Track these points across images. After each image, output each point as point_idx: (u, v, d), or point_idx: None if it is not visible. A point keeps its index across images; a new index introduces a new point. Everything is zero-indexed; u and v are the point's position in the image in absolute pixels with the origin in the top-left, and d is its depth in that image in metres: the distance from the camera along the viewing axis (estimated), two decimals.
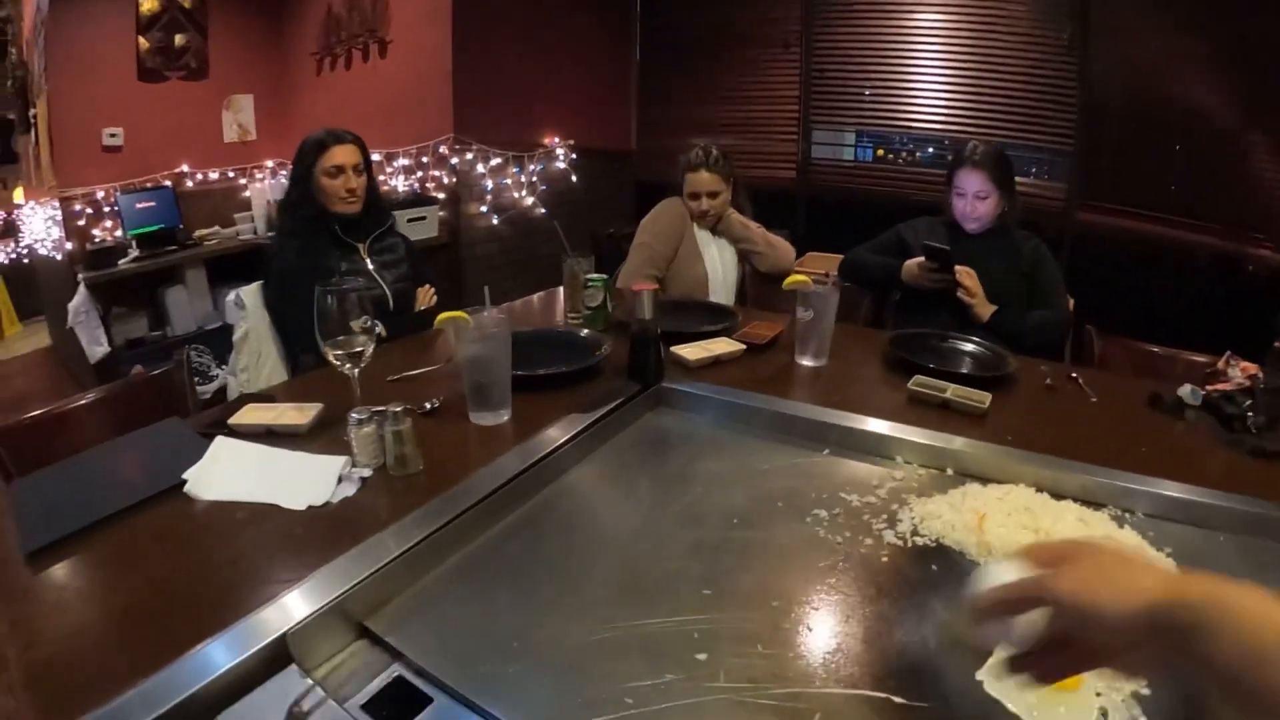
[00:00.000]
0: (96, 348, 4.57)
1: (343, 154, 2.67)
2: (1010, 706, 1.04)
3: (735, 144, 6.02)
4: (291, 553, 1.19)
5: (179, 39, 5.11)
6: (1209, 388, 2.13)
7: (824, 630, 1.16)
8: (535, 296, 2.88)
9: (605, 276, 2.39)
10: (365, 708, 0.95)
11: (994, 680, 1.08)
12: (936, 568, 1.36)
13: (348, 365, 1.55)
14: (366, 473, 1.44)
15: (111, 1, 4.83)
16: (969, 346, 2.44)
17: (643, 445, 1.76)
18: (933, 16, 5.57)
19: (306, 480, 1.39)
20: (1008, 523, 1.43)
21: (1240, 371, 2.14)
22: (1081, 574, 0.77)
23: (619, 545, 1.36)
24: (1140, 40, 5.24)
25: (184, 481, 1.40)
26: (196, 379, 3.72)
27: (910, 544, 1.41)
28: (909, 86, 5.73)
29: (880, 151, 5.89)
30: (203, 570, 1.17)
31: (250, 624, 1.01)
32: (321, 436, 1.59)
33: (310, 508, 1.33)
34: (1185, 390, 2.14)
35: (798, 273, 2.35)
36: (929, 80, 5.69)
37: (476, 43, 5.11)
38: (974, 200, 2.93)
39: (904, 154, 5.85)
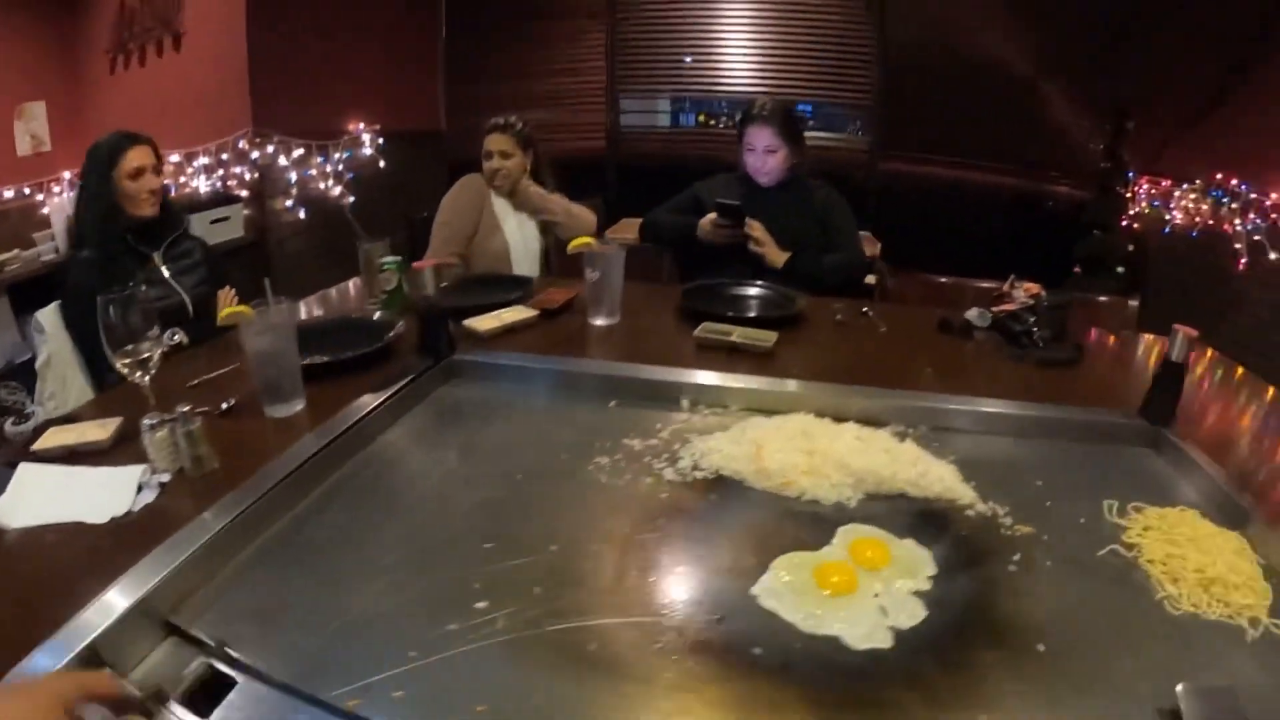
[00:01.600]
0: None
1: (140, 155, 2.62)
2: (784, 616, 1.12)
3: (546, 117, 6.08)
4: (100, 564, 1.17)
5: None
6: (995, 309, 2.28)
7: (601, 567, 1.24)
8: (334, 289, 2.83)
9: (399, 259, 2.40)
10: (181, 702, 0.95)
11: (767, 595, 1.16)
12: (715, 497, 1.46)
13: (138, 373, 1.54)
14: (165, 477, 1.44)
15: None
16: (755, 291, 2.58)
17: (436, 417, 1.82)
18: None
19: (108, 493, 1.39)
20: (786, 447, 1.54)
21: (1024, 292, 2.28)
22: None
23: (408, 512, 1.41)
24: None
25: None
26: (12, 419, 3.58)
27: (690, 478, 1.51)
28: (719, 51, 5.90)
29: (703, 117, 6.06)
30: (15, 597, 1.16)
31: (57, 640, 0.99)
32: (128, 449, 1.56)
33: (114, 519, 1.33)
34: (973, 313, 2.30)
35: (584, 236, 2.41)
36: (737, 45, 5.87)
37: (272, 29, 4.94)
38: (764, 154, 3.04)
39: (724, 118, 6.05)
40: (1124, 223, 5.51)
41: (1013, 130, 5.64)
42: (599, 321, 2.28)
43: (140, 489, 1.40)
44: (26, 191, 5.01)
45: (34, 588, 1.17)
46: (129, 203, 2.61)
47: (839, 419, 1.70)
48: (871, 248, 5.04)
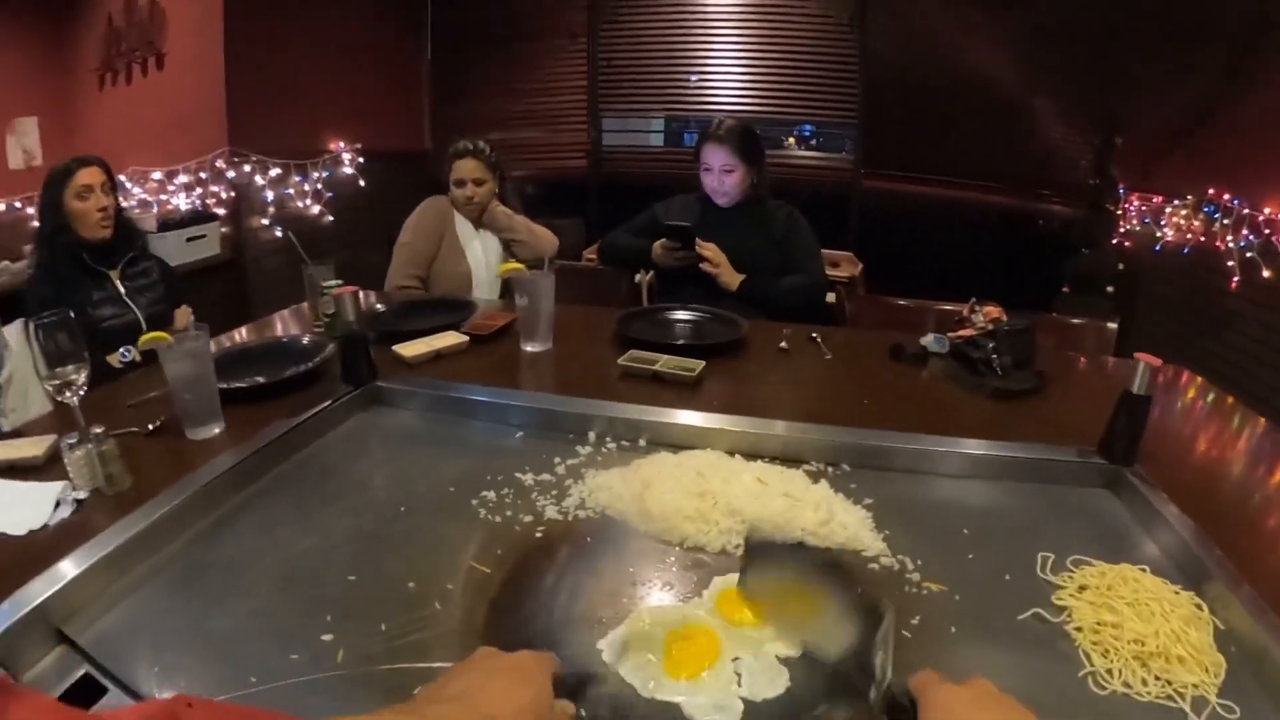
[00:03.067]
0: None
1: (88, 175, 2.71)
2: (626, 676, 1.05)
3: (529, 137, 6.15)
4: (10, 573, 1.23)
5: None
6: (953, 334, 2.18)
7: (450, 607, 1.21)
8: (286, 311, 2.84)
9: (340, 282, 2.41)
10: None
11: (614, 651, 1.10)
12: (591, 539, 1.40)
13: (66, 394, 1.59)
14: (83, 494, 1.51)
15: None
16: (694, 316, 2.53)
17: (347, 443, 1.81)
18: (718, 2, 5.76)
19: (29, 507, 1.46)
20: (674, 488, 1.45)
21: (984, 316, 2.19)
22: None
23: (291, 539, 1.42)
24: (917, 15, 5.51)
25: None
26: None
27: (573, 517, 1.46)
28: (702, 71, 5.90)
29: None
30: None
31: None
32: (59, 466, 1.61)
33: (30, 531, 1.40)
34: (929, 339, 2.20)
35: (513, 261, 2.42)
36: (720, 64, 5.88)
37: (251, 49, 5.05)
38: (720, 174, 3.05)
39: None
40: (1114, 240, 5.44)
41: (1000, 147, 5.61)
42: (529, 348, 2.27)
43: (58, 505, 1.47)
44: (18, 205, 5.12)
45: None
46: (79, 223, 2.71)
47: (753, 455, 1.63)
48: (852, 269, 5.04)
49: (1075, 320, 3.16)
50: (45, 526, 1.42)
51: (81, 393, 1.60)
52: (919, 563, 1.31)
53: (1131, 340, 3.92)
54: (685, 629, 1.13)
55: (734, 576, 1.25)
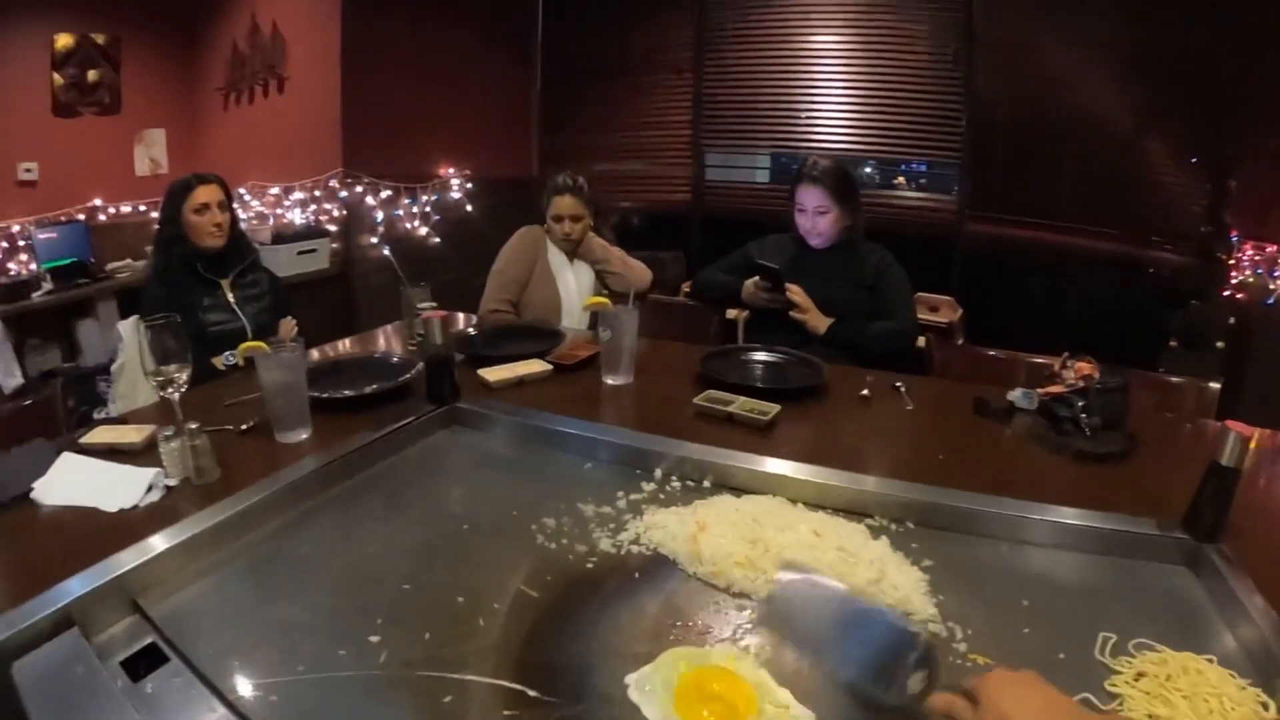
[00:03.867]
0: (10, 379, 4.64)
1: (206, 193, 2.89)
2: (645, 713, 1.04)
3: (633, 169, 6.24)
4: (98, 545, 1.34)
5: (93, 74, 5.21)
6: (1042, 390, 2.07)
7: (493, 625, 1.24)
8: (390, 326, 2.99)
9: (434, 305, 2.51)
10: (122, 664, 1.13)
11: (638, 687, 1.08)
12: (639, 575, 1.39)
13: (168, 389, 1.69)
14: (173, 482, 1.63)
15: (26, 38, 4.94)
16: (776, 359, 2.50)
17: (424, 459, 1.88)
18: (823, 39, 5.74)
19: (123, 488, 1.58)
20: (728, 533, 1.43)
21: (1074, 373, 2.05)
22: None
23: (357, 543, 1.50)
24: (1024, 54, 5.33)
25: (31, 489, 1.58)
26: (99, 408, 3.86)
27: (626, 552, 1.46)
28: (805, 107, 5.86)
29: None
30: (34, 560, 1.37)
31: (41, 599, 1.17)
32: (154, 454, 1.72)
33: (121, 510, 1.53)
34: (1016, 394, 2.10)
35: (600, 295, 2.45)
36: (823, 101, 5.82)
37: (367, 77, 5.31)
38: (814, 215, 3.03)
39: None
40: (1226, 292, 4.98)
41: (1107, 190, 5.29)
42: (610, 380, 2.28)
43: (150, 489, 1.59)
44: (142, 209, 5.43)
45: (45, 554, 1.39)
46: (194, 234, 2.89)
47: (816, 505, 1.59)
48: (952, 314, 4.95)
49: (1175, 379, 2.92)
50: (135, 507, 1.55)
51: (182, 389, 1.70)
52: (969, 632, 1.22)
53: (1240, 402, 3.68)
54: (710, 673, 1.11)
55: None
